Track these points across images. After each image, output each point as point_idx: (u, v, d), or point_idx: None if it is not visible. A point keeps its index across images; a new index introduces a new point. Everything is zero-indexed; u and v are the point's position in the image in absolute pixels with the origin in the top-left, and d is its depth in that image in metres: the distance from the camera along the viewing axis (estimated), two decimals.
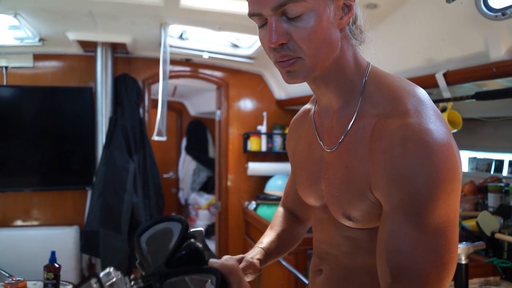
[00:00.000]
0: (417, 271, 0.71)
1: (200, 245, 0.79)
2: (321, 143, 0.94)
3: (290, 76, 0.83)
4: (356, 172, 0.83)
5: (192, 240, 0.79)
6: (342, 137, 0.87)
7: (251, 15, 0.82)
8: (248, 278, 1.07)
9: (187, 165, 5.63)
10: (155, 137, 2.86)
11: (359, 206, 0.83)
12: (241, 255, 1.08)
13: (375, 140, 0.79)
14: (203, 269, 0.75)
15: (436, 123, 0.76)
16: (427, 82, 1.88)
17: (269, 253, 1.13)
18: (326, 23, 0.79)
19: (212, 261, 0.76)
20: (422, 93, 0.82)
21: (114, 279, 0.75)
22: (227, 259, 0.80)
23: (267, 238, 1.17)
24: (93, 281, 0.74)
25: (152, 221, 0.82)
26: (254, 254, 1.10)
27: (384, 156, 0.76)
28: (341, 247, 0.94)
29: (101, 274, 0.76)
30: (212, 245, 4.42)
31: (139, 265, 0.78)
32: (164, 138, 2.89)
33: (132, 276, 0.77)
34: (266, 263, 1.12)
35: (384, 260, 0.75)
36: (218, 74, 3.69)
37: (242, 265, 1.05)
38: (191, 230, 0.80)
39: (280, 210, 1.27)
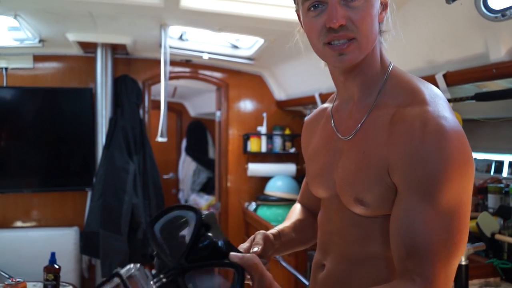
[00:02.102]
0: (429, 249, 0.76)
1: (216, 238, 0.75)
2: (338, 134, 0.99)
3: (342, 59, 0.88)
4: (374, 156, 0.87)
5: (209, 234, 0.75)
6: (359, 125, 0.93)
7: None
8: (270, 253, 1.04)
9: (187, 166, 5.63)
10: (159, 139, 2.86)
11: (374, 190, 0.86)
12: (251, 237, 1.05)
13: (394, 125, 0.85)
14: (225, 263, 0.73)
15: (450, 113, 0.83)
16: None
17: (283, 233, 1.11)
18: (375, 11, 0.89)
19: (233, 255, 0.74)
20: (436, 89, 0.90)
21: (133, 271, 0.72)
22: (248, 254, 0.77)
23: (281, 225, 1.16)
24: (115, 280, 0.71)
25: (162, 210, 0.79)
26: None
27: (404, 139, 0.82)
28: (348, 236, 0.95)
29: (122, 270, 0.72)
30: None
31: (156, 256, 0.75)
32: (165, 139, 2.89)
33: (153, 272, 0.74)
34: (281, 242, 1.09)
35: (398, 237, 0.80)
36: (218, 75, 3.69)
37: (257, 238, 1.01)
38: (203, 215, 0.77)
39: (296, 205, 1.28)
